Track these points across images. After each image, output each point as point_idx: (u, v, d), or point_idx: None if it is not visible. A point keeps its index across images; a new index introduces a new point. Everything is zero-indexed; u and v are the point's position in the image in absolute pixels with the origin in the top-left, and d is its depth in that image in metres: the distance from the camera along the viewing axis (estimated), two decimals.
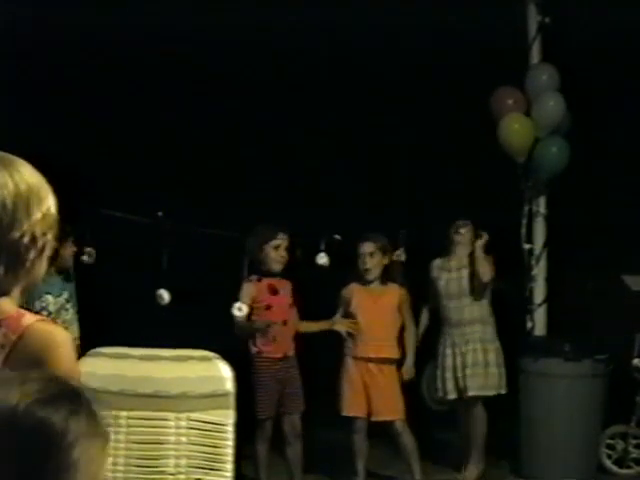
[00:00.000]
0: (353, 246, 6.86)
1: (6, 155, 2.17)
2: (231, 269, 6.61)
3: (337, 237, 6.84)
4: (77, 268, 6.48)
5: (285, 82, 8.50)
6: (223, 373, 3.81)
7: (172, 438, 3.77)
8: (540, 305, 7.51)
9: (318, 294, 6.74)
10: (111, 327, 5.96)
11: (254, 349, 6.58)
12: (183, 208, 7.28)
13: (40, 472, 1.44)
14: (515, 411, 7.13)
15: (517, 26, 7.29)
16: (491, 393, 6.94)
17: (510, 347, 7.11)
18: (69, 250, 6.36)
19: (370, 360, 6.79)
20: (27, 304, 5.23)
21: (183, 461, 3.76)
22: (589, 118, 7.37)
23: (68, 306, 6.33)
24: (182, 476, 3.75)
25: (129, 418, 3.76)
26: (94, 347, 3.99)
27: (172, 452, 3.77)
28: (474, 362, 6.91)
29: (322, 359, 6.70)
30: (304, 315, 6.78)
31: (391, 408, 6.78)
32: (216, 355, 3.88)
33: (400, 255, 6.99)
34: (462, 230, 7.01)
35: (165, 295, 6.42)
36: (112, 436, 3.67)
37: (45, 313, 5.93)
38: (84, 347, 5.77)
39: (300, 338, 6.70)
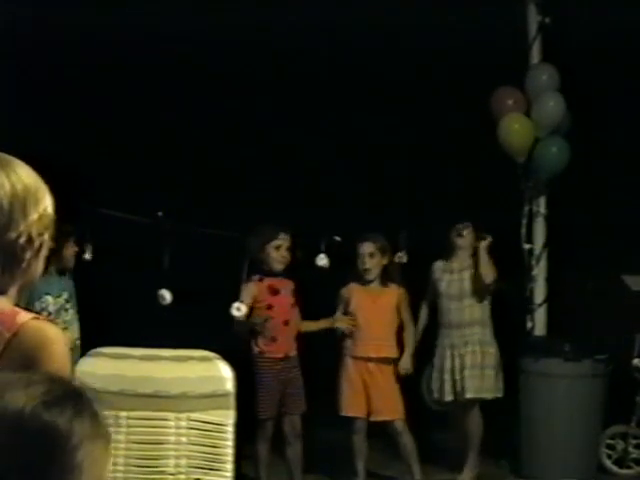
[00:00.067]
0: (353, 246, 6.86)
1: (3, 155, 2.18)
2: (231, 269, 6.61)
3: (337, 239, 6.84)
4: (77, 268, 6.48)
5: (285, 82, 8.50)
6: (223, 373, 3.82)
7: (172, 438, 3.77)
8: (540, 305, 7.51)
9: (318, 294, 6.74)
10: (111, 327, 5.95)
11: (256, 349, 6.58)
12: (183, 208, 7.29)
13: (45, 474, 1.44)
14: (515, 411, 7.13)
15: (517, 26, 7.29)
16: (488, 396, 6.93)
17: (510, 347, 7.11)
18: (70, 250, 6.36)
19: (370, 360, 6.79)
20: (27, 304, 5.24)
21: (183, 461, 3.76)
22: (589, 118, 7.37)
23: (68, 306, 6.33)
24: (182, 476, 3.75)
25: (129, 418, 3.76)
26: (94, 347, 4.00)
27: (172, 452, 3.77)
28: (472, 364, 6.91)
29: (322, 359, 6.70)
30: (304, 315, 6.78)
31: (391, 408, 6.78)
32: (216, 355, 3.88)
33: (402, 257, 6.99)
34: (464, 232, 6.99)
35: (167, 295, 6.42)
36: (112, 436, 3.67)
37: (45, 314, 5.93)
38: (84, 347, 5.81)
39: (300, 338, 6.70)
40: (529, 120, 7.27)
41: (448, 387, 6.97)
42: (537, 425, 7.07)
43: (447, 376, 6.97)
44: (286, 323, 6.60)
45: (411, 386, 6.99)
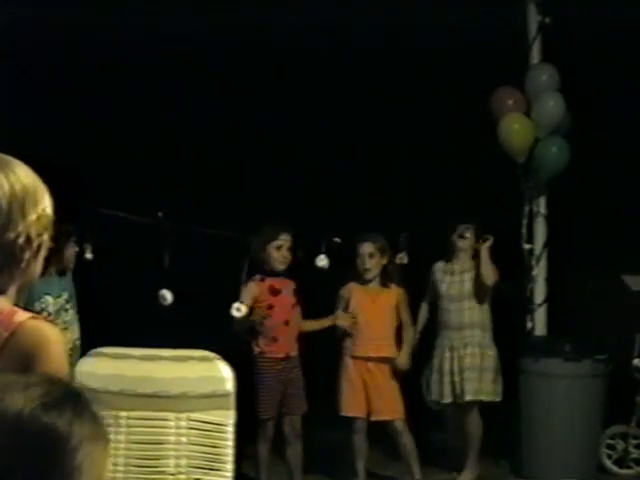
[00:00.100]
0: (352, 247, 6.86)
1: (2, 156, 2.18)
2: (231, 269, 6.61)
3: (337, 240, 6.84)
4: (77, 268, 6.48)
5: (285, 82, 8.50)
6: (223, 373, 3.82)
7: (172, 438, 3.78)
8: (540, 305, 7.51)
9: (318, 295, 6.74)
10: (111, 327, 5.96)
11: (256, 349, 6.58)
12: (183, 208, 7.29)
13: (44, 476, 1.44)
14: (515, 411, 7.12)
15: (517, 26, 7.29)
16: (486, 398, 6.92)
17: (510, 347, 7.11)
18: (71, 250, 6.36)
19: (369, 359, 6.79)
20: (27, 305, 5.24)
21: (183, 461, 3.76)
22: (589, 118, 7.37)
23: (68, 307, 6.33)
24: (182, 476, 3.75)
25: (129, 418, 3.76)
26: (94, 347, 4.00)
27: (172, 452, 3.77)
28: (472, 366, 6.90)
29: (322, 359, 6.70)
30: (304, 315, 6.77)
31: (391, 408, 6.78)
32: (216, 355, 3.88)
33: (402, 258, 6.99)
34: (467, 234, 6.99)
35: (168, 296, 6.42)
36: (112, 436, 3.67)
37: (45, 314, 5.92)
38: (84, 347, 5.81)
39: (300, 338, 6.70)
40: (529, 120, 7.27)
41: (447, 389, 6.97)
42: (537, 425, 7.07)
43: (446, 378, 6.96)
44: (287, 323, 6.60)
45: (411, 386, 6.98)
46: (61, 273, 6.31)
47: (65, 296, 6.30)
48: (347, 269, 6.89)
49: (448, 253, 7.10)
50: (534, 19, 7.36)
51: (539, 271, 7.53)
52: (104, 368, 3.82)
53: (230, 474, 3.73)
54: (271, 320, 6.57)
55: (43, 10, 7.40)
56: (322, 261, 6.74)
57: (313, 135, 8.59)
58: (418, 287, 7.12)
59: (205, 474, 3.74)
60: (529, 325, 7.51)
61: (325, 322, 6.82)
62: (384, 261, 6.84)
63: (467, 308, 6.97)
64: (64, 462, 1.44)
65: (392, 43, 7.88)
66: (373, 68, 8.30)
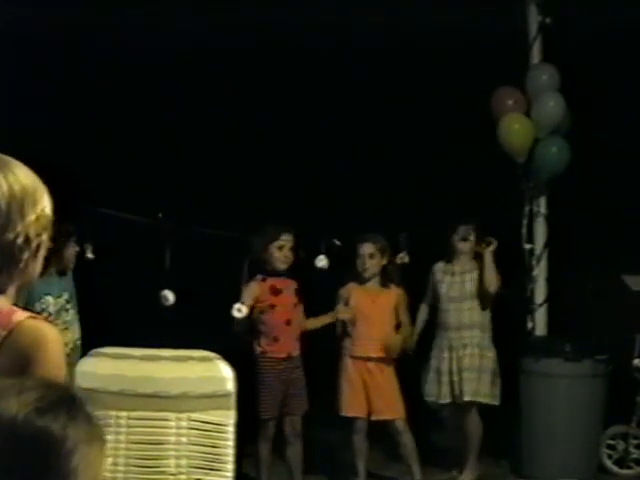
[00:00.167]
0: (352, 247, 6.85)
1: (1, 156, 2.19)
2: (232, 269, 6.61)
3: (337, 242, 6.83)
4: (78, 268, 6.48)
5: (285, 82, 8.51)
6: (224, 373, 3.82)
7: (172, 438, 3.77)
8: (541, 305, 7.51)
9: (318, 295, 6.74)
10: (112, 327, 5.96)
11: (258, 349, 6.58)
12: (183, 208, 7.29)
13: (41, 479, 1.44)
14: (515, 411, 7.12)
15: (517, 26, 7.29)
16: (484, 400, 6.91)
17: (511, 347, 7.11)
18: (71, 250, 6.36)
19: (369, 359, 6.79)
20: (27, 305, 5.24)
21: (184, 461, 3.76)
22: (589, 118, 7.37)
23: (69, 307, 6.33)
24: (183, 476, 3.75)
25: (129, 418, 3.76)
26: (95, 347, 4.00)
27: (172, 452, 3.77)
28: (471, 367, 6.90)
29: (322, 359, 6.70)
30: (304, 315, 6.77)
31: (392, 407, 6.78)
32: (217, 355, 3.88)
33: (403, 258, 6.98)
34: (470, 237, 6.98)
35: (170, 296, 6.41)
36: (113, 436, 3.68)
37: (45, 314, 5.92)
38: (85, 347, 5.81)
39: (301, 338, 6.69)
40: (529, 120, 7.27)
41: (446, 389, 6.96)
42: (537, 425, 7.06)
43: (445, 378, 6.95)
44: (288, 323, 6.59)
45: (411, 386, 6.98)
46: (61, 273, 6.31)
47: (66, 296, 6.30)
48: (347, 269, 6.89)
49: (448, 254, 7.09)
50: (534, 19, 7.35)
51: (539, 271, 7.53)
52: (104, 368, 3.82)
53: (230, 474, 3.73)
54: (272, 320, 6.57)
55: (43, 10, 7.40)
56: (321, 261, 6.74)
57: (313, 135, 8.60)
58: (418, 287, 7.12)
59: (205, 474, 3.74)
60: (529, 325, 7.51)
61: (326, 318, 6.80)
62: (384, 261, 6.84)
63: (467, 309, 6.97)
64: (60, 465, 1.45)
65: (392, 43, 7.89)
66: (373, 68, 8.30)
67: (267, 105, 8.51)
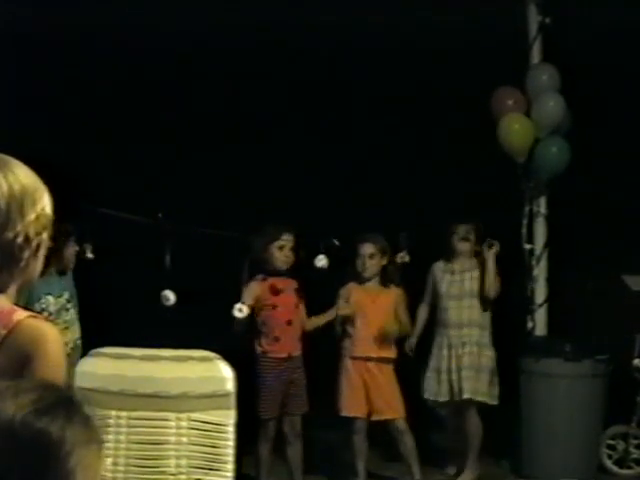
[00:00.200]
0: (352, 247, 6.85)
1: (1, 156, 2.19)
2: (232, 269, 6.61)
3: (336, 242, 6.83)
4: (78, 268, 6.48)
5: (285, 82, 8.51)
6: (224, 373, 3.82)
7: (173, 438, 3.77)
8: (541, 305, 7.51)
9: (317, 295, 6.73)
10: (112, 327, 5.95)
11: (259, 349, 6.58)
12: (183, 208, 7.28)
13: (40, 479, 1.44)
14: (515, 411, 7.12)
15: (517, 26, 7.28)
16: (482, 399, 6.91)
17: (511, 347, 7.11)
18: (71, 250, 6.36)
19: (369, 359, 6.78)
20: (27, 304, 5.23)
21: (184, 461, 3.76)
22: (589, 118, 7.37)
23: (69, 306, 6.33)
24: (183, 476, 3.75)
25: (130, 418, 3.76)
26: (95, 347, 4.00)
27: (173, 452, 3.77)
28: (470, 365, 6.90)
29: (322, 359, 6.69)
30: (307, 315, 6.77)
31: (392, 407, 6.78)
32: (217, 355, 3.88)
33: (404, 257, 6.98)
34: (470, 237, 6.98)
35: (170, 296, 6.41)
36: (113, 436, 3.67)
37: (46, 314, 5.92)
38: (85, 347, 5.81)
39: (302, 338, 6.68)
40: (529, 120, 7.27)
41: (444, 387, 6.97)
42: (537, 425, 7.06)
43: (444, 376, 6.96)
44: (289, 323, 6.59)
45: (411, 386, 6.98)
46: (61, 273, 6.31)
47: (66, 296, 6.30)
48: (347, 269, 6.89)
49: (448, 254, 7.09)
50: (534, 19, 7.35)
51: (539, 271, 7.53)
52: (104, 368, 3.82)
53: (230, 474, 3.73)
54: (273, 320, 6.57)
55: (43, 10, 7.40)
56: (321, 261, 6.73)
57: (313, 135, 8.60)
58: (418, 287, 7.12)
59: (205, 474, 3.74)
60: (529, 325, 7.51)
61: (327, 316, 6.78)
62: (384, 262, 6.84)
63: (466, 307, 6.97)
64: (58, 467, 1.45)
65: (392, 43, 7.88)
66: (373, 68, 8.30)
67: (267, 105, 8.50)
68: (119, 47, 8.00)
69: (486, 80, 7.16)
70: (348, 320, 6.82)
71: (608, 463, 7.20)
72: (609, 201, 7.94)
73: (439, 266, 7.11)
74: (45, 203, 2.20)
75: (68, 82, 8.32)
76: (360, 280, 6.87)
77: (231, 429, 3.74)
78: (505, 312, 7.11)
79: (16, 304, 2.21)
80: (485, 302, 6.98)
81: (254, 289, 6.56)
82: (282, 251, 6.55)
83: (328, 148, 8.56)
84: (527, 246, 7.44)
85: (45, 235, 2.21)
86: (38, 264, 2.22)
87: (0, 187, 2.13)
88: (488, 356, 6.96)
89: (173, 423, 3.77)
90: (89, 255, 6.56)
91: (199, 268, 7.52)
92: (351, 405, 6.79)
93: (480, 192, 7.64)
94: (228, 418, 3.75)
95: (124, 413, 3.75)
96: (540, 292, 7.53)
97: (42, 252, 2.22)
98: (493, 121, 7.29)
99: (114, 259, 7.37)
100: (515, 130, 7.26)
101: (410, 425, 6.79)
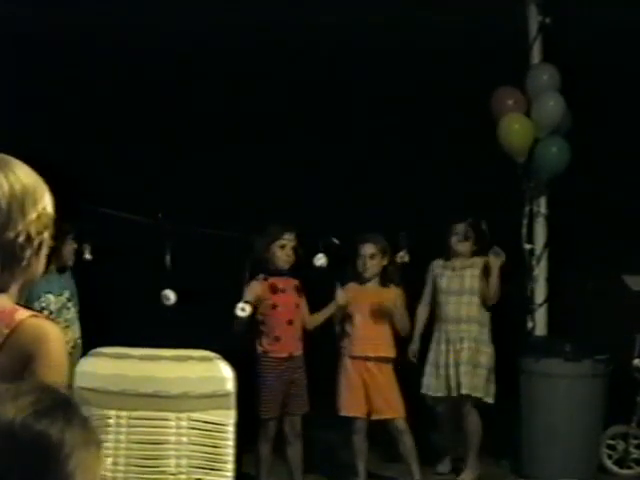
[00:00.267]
0: (352, 246, 6.85)
1: (1, 156, 2.20)
2: (232, 269, 6.61)
3: (335, 241, 6.82)
4: (78, 268, 6.48)
5: (285, 82, 8.51)
6: (224, 373, 3.82)
7: (173, 438, 3.77)
8: (541, 305, 7.51)
9: (317, 294, 6.73)
10: (112, 327, 5.96)
11: (260, 349, 6.57)
12: (183, 208, 7.29)
13: None
14: (515, 411, 7.12)
15: (517, 26, 7.29)
16: (479, 395, 6.91)
17: (511, 347, 7.11)
18: (69, 247, 6.37)
19: (368, 359, 6.78)
20: (28, 303, 5.23)
21: (184, 461, 3.76)
22: (589, 118, 7.37)
23: (69, 305, 6.33)
24: (183, 476, 3.75)
25: (130, 418, 3.76)
26: (95, 347, 4.00)
27: (173, 452, 3.77)
28: (468, 361, 6.90)
29: (322, 359, 6.70)
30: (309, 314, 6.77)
31: (392, 406, 6.78)
32: (217, 355, 3.88)
33: (404, 257, 6.97)
34: (469, 237, 6.98)
35: (171, 295, 6.41)
36: (113, 436, 3.67)
37: (46, 312, 5.93)
38: (85, 347, 5.81)
39: (303, 338, 6.68)
40: (529, 120, 7.27)
41: (442, 382, 6.97)
42: (537, 425, 7.06)
43: (442, 371, 6.97)
44: (290, 322, 6.58)
45: (411, 386, 6.98)
46: (60, 270, 6.32)
47: (67, 294, 6.31)
48: (346, 269, 6.89)
49: (447, 254, 7.10)
50: (534, 19, 7.35)
51: (539, 271, 7.53)
52: (104, 368, 3.82)
53: (231, 474, 3.73)
54: (274, 319, 6.57)
55: (43, 10, 7.40)
56: (320, 260, 6.73)
57: (313, 135, 8.60)
58: (418, 287, 7.12)
59: (206, 474, 3.74)
60: (529, 325, 7.51)
61: (328, 310, 6.76)
62: (385, 262, 6.84)
63: (466, 303, 6.98)
64: (57, 469, 1.45)
65: (392, 43, 7.89)
66: (373, 68, 8.31)
67: (267, 105, 8.51)
68: (119, 47, 8.00)
69: (486, 80, 7.16)
70: (347, 319, 6.82)
71: (608, 463, 7.20)
72: (609, 201, 7.95)
73: (438, 263, 7.12)
74: (46, 202, 2.21)
75: (68, 82, 8.32)
76: (360, 280, 6.87)
77: (231, 429, 3.74)
78: (505, 312, 7.11)
79: (18, 303, 2.21)
80: (484, 305, 7.01)
81: (255, 288, 6.55)
82: (284, 250, 6.55)
83: (328, 148, 8.57)
84: (527, 246, 7.44)
85: (47, 234, 2.21)
86: (40, 263, 2.23)
87: (1, 187, 2.14)
88: (487, 353, 6.96)
89: (173, 423, 3.77)
90: (87, 256, 6.57)
91: (199, 268, 7.52)
92: (350, 405, 6.79)
93: (480, 192, 7.65)
94: (228, 418, 3.75)
95: (124, 413, 3.75)
96: (540, 292, 7.53)
97: (44, 251, 2.23)
98: (493, 121, 7.29)
99: (114, 259, 7.38)
100: (515, 130, 7.26)
101: (410, 425, 6.79)
